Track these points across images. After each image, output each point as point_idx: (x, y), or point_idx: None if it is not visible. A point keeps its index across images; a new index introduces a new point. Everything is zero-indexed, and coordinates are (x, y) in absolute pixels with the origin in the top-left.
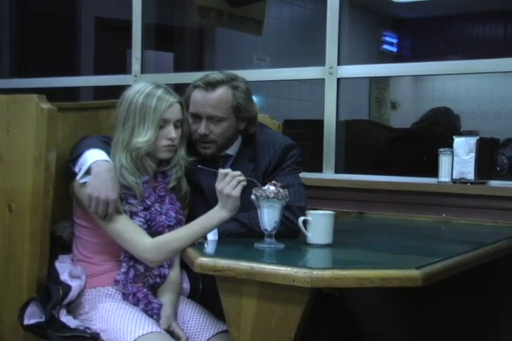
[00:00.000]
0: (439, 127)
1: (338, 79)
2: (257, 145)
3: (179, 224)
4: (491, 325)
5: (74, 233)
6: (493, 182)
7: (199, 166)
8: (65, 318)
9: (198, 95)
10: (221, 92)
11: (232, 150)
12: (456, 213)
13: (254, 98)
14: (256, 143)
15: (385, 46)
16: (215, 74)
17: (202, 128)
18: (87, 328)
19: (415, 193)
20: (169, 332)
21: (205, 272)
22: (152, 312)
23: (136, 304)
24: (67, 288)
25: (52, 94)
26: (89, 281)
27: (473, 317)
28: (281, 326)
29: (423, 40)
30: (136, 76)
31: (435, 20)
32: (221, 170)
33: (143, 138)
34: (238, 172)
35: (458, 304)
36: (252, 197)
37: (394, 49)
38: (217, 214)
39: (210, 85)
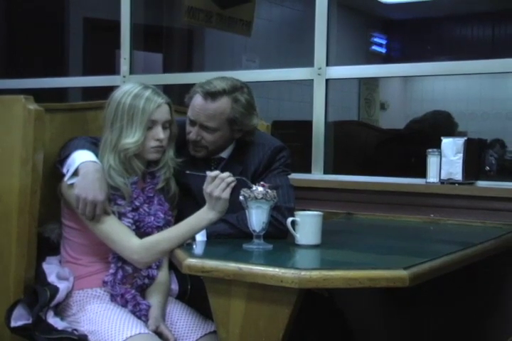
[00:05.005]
0: (438, 131)
1: (327, 80)
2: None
3: (168, 225)
4: (478, 325)
5: (62, 234)
6: (481, 183)
7: (187, 172)
8: (53, 320)
9: (196, 101)
10: (219, 104)
11: (225, 154)
12: (444, 213)
13: None
14: (246, 145)
15: (374, 47)
16: (218, 82)
17: (193, 134)
18: (75, 330)
19: (403, 194)
20: (157, 333)
21: (193, 273)
22: (140, 314)
23: (124, 305)
24: (55, 290)
25: (40, 95)
26: (77, 283)
27: (460, 316)
28: (270, 327)
29: (412, 41)
30: (124, 77)
31: (424, 22)
32: (209, 173)
33: (131, 139)
34: (227, 174)
35: (446, 304)
36: (241, 197)
37: (383, 50)
38: (205, 215)
39: (210, 95)
